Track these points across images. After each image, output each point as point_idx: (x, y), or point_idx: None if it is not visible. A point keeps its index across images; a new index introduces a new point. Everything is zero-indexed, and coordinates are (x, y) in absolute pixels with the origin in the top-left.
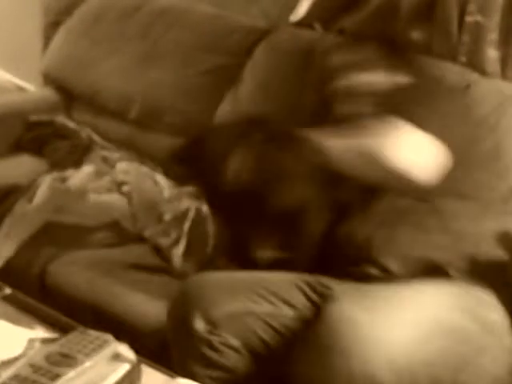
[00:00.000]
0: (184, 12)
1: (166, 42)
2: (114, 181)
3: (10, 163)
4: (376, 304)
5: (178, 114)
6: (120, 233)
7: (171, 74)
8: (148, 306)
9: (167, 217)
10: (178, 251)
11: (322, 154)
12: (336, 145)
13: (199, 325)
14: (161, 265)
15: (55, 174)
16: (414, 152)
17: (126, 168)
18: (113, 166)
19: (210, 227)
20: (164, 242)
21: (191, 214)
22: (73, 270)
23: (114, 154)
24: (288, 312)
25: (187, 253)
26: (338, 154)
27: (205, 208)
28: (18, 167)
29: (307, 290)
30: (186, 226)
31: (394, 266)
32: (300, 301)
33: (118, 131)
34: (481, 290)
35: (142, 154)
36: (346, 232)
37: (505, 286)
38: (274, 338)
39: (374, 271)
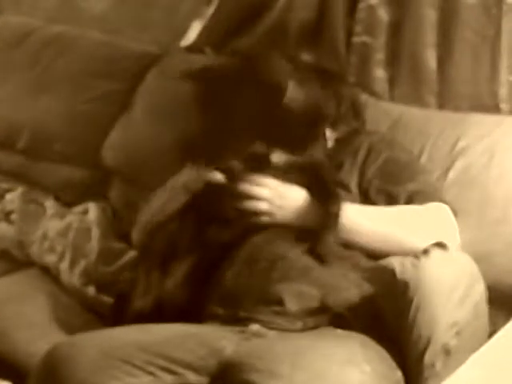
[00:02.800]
0: (74, 39)
1: (55, 69)
2: (2, 210)
3: None
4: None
5: (68, 142)
6: (8, 261)
7: (61, 102)
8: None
9: (51, 233)
10: (65, 265)
11: None
12: None
13: None
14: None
15: None
16: None
17: (13, 197)
18: (2, 197)
19: (95, 235)
20: (51, 259)
21: (74, 225)
22: None
23: (3, 185)
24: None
25: (73, 264)
26: None
27: (89, 217)
28: None
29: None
30: (70, 237)
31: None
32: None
33: (8, 161)
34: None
35: (32, 184)
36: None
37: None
38: None
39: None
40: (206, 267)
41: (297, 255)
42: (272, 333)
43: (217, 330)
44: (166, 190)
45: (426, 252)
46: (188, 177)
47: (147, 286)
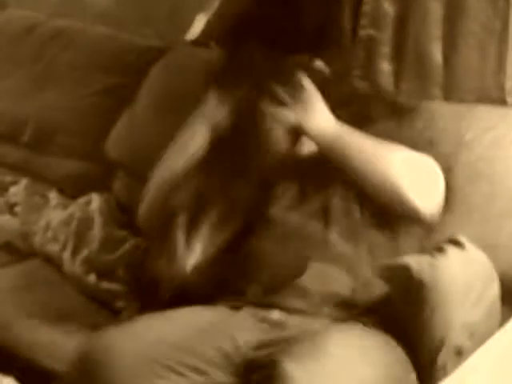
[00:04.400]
0: (78, 33)
1: (59, 63)
2: (6, 203)
3: None
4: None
5: (72, 135)
6: (12, 252)
7: (65, 96)
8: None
9: (54, 223)
10: (67, 253)
11: None
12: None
13: None
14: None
15: None
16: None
17: (18, 190)
18: (6, 190)
19: (97, 223)
20: (53, 248)
21: (77, 215)
22: None
23: (7, 178)
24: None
25: (75, 252)
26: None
27: (92, 207)
28: None
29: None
30: (73, 226)
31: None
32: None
33: (12, 154)
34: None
35: (36, 177)
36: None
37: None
38: None
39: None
40: (238, 236)
41: (329, 235)
42: (292, 322)
43: (239, 318)
44: (185, 134)
45: (442, 250)
46: (213, 108)
47: (170, 257)
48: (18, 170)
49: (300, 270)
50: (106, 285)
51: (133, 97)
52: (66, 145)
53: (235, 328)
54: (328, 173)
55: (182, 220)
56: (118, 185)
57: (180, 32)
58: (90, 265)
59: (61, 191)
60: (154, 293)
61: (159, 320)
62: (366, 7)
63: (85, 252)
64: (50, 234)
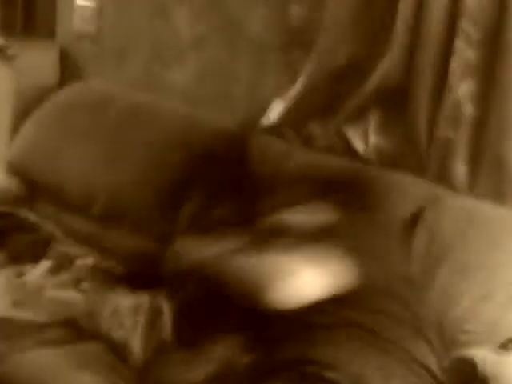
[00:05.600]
0: (155, 110)
1: (135, 138)
2: (73, 277)
3: None
4: None
5: (141, 212)
6: (74, 330)
7: (138, 171)
8: None
9: (122, 309)
10: (135, 341)
11: None
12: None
13: None
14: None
15: (12, 268)
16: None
17: (84, 264)
18: (72, 262)
19: (166, 315)
20: (119, 335)
21: (146, 304)
22: (22, 373)
23: (75, 250)
24: None
25: (144, 341)
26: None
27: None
28: None
29: None
30: (142, 314)
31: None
32: None
33: (81, 226)
34: None
35: (104, 251)
36: None
37: None
38: None
39: None
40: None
41: None
42: None
43: None
44: None
45: (506, 348)
46: None
47: None
48: (86, 242)
49: None
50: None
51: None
52: (135, 221)
53: None
54: None
55: None
56: None
57: (256, 115)
58: (156, 353)
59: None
60: None
61: None
62: (446, 108)
63: (152, 340)
64: (116, 318)
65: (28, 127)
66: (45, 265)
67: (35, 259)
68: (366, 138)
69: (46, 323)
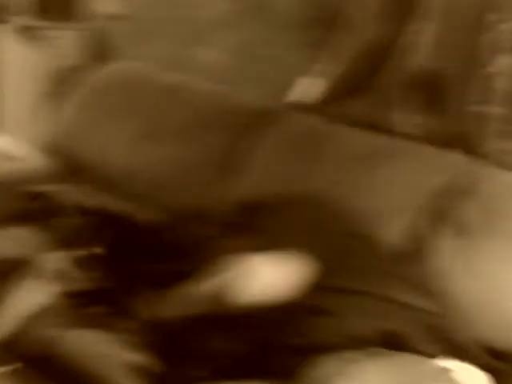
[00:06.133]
0: (191, 90)
1: (170, 117)
2: None
3: (11, 233)
4: None
5: (178, 192)
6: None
7: (175, 151)
8: None
9: None
10: None
11: None
12: None
13: None
14: None
15: (62, 254)
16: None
17: None
18: None
19: None
20: None
21: None
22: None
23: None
24: None
25: None
26: None
27: None
28: (20, 238)
29: None
30: None
31: None
32: None
33: (121, 205)
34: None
35: None
36: None
37: None
38: None
39: None
40: None
41: None
42: None
43: None
44: None
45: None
46: None
47: None
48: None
49: None
50: None
51: (239, 158)
52: (171, 201)
53: None
54: None
55: None
56: None
57: (288, 92)
58: None
59: None
60: None
61: None
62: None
63: None
64: None
65: (66, 108)
66: (95, 251)
67: (85, 244)
68: (406, 116)
69: None
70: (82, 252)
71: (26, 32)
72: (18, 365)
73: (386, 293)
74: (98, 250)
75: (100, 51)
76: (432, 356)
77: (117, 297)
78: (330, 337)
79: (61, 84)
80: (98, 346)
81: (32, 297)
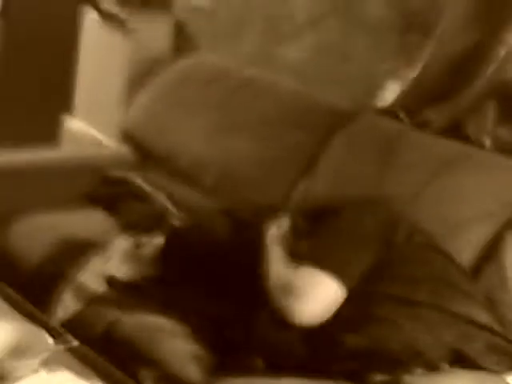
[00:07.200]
0: (269, 85)
1: (248, 112)
2: None
3: (81, 216)
4: None
5: (252, 187)
6: None
7: (251, 146)
8: None
9: None
10: None
11: None
12: None
13: None
14: None
15: (131, 239)
16: None
17: None
18: None
19: None
20: None
21: None
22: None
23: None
24: None
25: None
26: None
27: None
28: (89, 222)
29: None
30: None
31: None
32: None
33: (191, 197)
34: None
35: None
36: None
37: None
38: None
39: None
40: None
41: None
42: None
43: None
44: None
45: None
46: None
47: None
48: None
49: None
50: None
51: (315, 157)
52: (246, 196)
53: None
54: None
55: None
56: None
57: (370, 96)
58: None
59: None
60: None
61: None
62: None
63: None
64: None
65: (143, 97)
66: (158, 241)
67: (148, 231)
68: (482, 127)
69: None
70: (144, 239)
71: (111, 19)
72: (76, 343)
73: (452, 307)
74: (158, 240)
75: (184, 44)
76: (499, 373)
77: (169, 286)
78: (392, 344)
79: (143, 74)
80: (158, 333)
81: (96, 280)
